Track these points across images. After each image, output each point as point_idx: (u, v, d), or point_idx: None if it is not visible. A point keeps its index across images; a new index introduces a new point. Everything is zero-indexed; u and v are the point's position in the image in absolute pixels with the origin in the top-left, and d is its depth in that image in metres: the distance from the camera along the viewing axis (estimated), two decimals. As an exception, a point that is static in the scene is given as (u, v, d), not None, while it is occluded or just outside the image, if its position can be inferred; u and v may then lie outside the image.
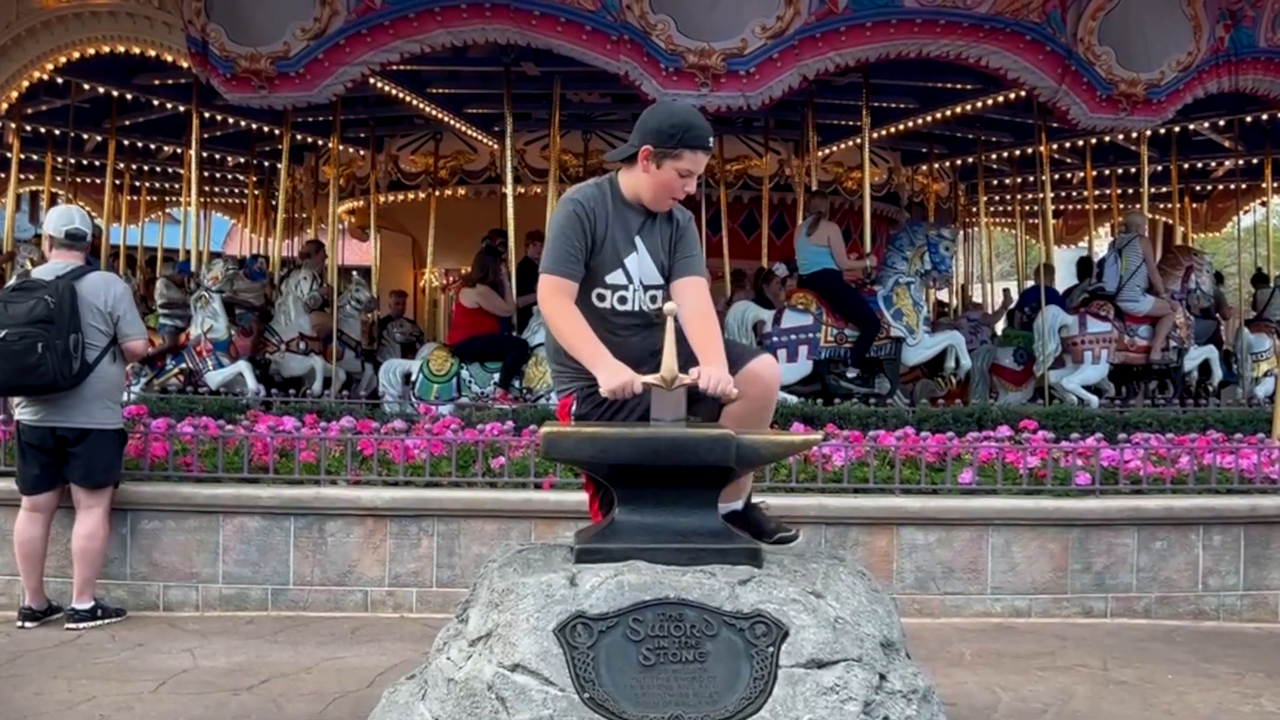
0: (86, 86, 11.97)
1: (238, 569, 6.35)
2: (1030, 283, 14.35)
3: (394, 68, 9.89)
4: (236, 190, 19.07)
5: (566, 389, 3.65)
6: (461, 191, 15.37)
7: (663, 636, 2.94)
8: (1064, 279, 14.48)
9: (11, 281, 6.04)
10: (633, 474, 3.21)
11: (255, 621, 6.12)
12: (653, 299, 3.58)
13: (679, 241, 3.61)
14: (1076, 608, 6.52)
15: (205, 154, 14.43)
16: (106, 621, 5.94)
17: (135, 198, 17.93)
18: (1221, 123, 13.47)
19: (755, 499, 3.69)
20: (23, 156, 13.20)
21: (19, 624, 5.90)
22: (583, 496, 6.34)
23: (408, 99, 12.50)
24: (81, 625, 5.86)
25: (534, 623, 2.94)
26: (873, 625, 3.11)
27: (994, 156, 16.23)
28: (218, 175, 17.95)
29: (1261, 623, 6.57)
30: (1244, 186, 16.54)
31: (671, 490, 3.21)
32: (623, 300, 3.55)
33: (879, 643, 3.09)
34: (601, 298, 3.55)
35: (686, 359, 3.35)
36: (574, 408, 3.60)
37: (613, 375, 3.30)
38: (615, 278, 3.53)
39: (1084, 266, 13.88)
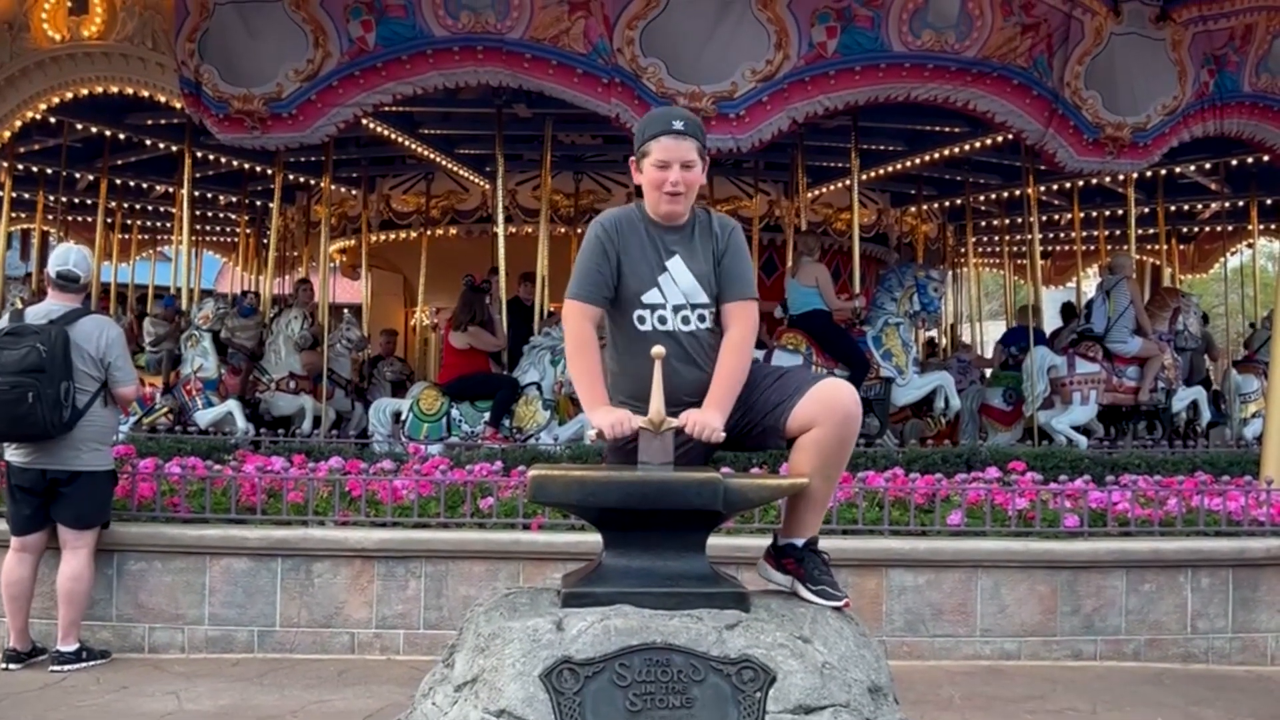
0: (79, 126, 11.99)
1: (224, 610, 6.31)
2: (1016, 323, 14.38)
3: (386, 109, 9.94)
4: (228, 229, 19.09)
5: None
6: (453, 231, 15.39)
7: (649, 682, 2.92)
8: (1050, 320, 14.53)
9: (2, 323, 6.01)
10: (620, 518, 3.20)
11: (241, 664, 6.08)
12: (700, 318, 3.45)
13: (724, 255, 3.48)
14: (1066, 650, 6.50)
15: (197, 193, 14.44)
16: (91, 664, 5.90)
17: (127, 236, 17.95)
18: (1208, 166, 13.56)
19: (790, 541, 3.52)
20: (14, 195, 13.23)
21: (3, 666, 5.85)
22: (571, 538, 6.36)
23: (400, 139, 12.55)
24: (66, 667, 5.81)
25: (520, 668, 2.92)
26: (861, 670, 3.10)
27: (982, 198, 16.32)
28: (210, 214, 17.96)
29: (1250, 665, 6.55)
30: (1230, 228, 16.65)
31: (659, 534, 3.20)
32: (662, 320, 3.44)
33: (867, 688, 3.08)
34: (642, 320, 3.44)
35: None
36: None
37: (606, 415, 3.28)
38: (652, 296, 3.43)
39: (1068, 311, 13.94)
